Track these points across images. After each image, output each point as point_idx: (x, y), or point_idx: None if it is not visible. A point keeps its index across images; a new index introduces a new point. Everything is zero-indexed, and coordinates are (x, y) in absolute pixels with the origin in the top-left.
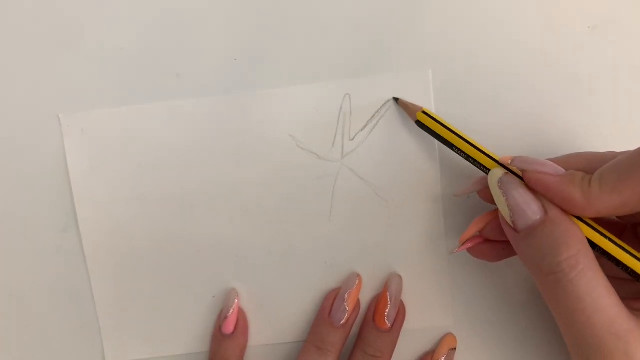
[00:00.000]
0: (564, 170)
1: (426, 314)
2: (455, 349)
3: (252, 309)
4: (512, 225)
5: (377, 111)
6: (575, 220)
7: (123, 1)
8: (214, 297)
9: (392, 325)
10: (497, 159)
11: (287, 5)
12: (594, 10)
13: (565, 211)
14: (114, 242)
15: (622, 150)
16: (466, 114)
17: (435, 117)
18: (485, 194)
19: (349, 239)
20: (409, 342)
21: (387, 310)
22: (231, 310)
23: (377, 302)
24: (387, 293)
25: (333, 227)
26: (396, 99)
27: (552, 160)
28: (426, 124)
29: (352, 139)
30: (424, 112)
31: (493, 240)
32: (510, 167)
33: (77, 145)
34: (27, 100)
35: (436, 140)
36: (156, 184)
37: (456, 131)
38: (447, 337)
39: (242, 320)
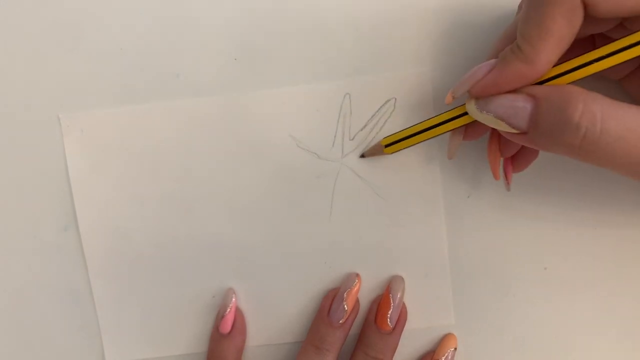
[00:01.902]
0: (494, 59)
1: (426, 314)
2: (455, 348)
3: (251, 308)
4: (517, 132)
5: (377, 111)
6: (559, 80)
7: (123, 1)
8: (213, 297)
9: (394, 327)
10: (453, 113)
11: (287, 5)
12: None
13: (529, 87)
14: (114, 242)
15: None
16: None
17: (396, 138)
18: (470, 134)
19: (349, 239)
20: (409, 342)
21: (389, 312)
22: (228, 310)
23: (379, 303)
24: (390, 294)
25: (333, 227)
26: (362, 155)
27: (489, 55)
28: (397, 148)
29: (352, 139)
30: (386, 145)
31: (513, 155)
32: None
33: (77, 145)
34: (27, 100)
35: (437, 140)
36: (156, 184)
37: (416, 130)
38: (448, 337)
39: (239, 320)
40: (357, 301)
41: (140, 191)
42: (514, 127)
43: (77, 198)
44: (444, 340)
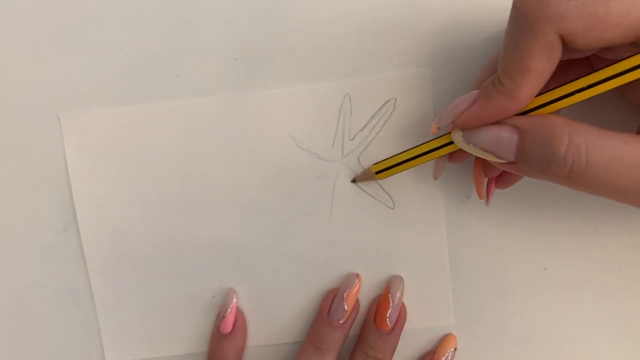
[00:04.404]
0: (476, 91)
1: (426, 314)
2: (455, 349)
3: (251, 309)
4: (506, 161)
5: (377, 111)
6: (541, 110)
7: (123, 1)
8: (213, 297)
9: (393, 327)
10: (442, 141)
11: (287, 5)
12: None
13: (513, 117)
14: (114, 242)
15: None
16: None
17: (386, 165)
18: (455, 158)
19: (349, 239)
20: (409, 342)
21: (388, 312)
22: (229, 310)
23: (379, 303)
24: (389, 294)
25: (333, 227)
26: (354, 180)
27: (472, 88)
28: (387, 174)
29: (352, 139)
30: (376, 172)
31: (498, 176)
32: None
33: (77, 145)
34: (27, 100)
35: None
36: (156, 184)
37: (405, 158)
38: (448, 337)
39: (240, 320)
40: (357, 301)
41: (140, 191)
42: (501, 158)
43: (77, 198)
44: (444, 340)
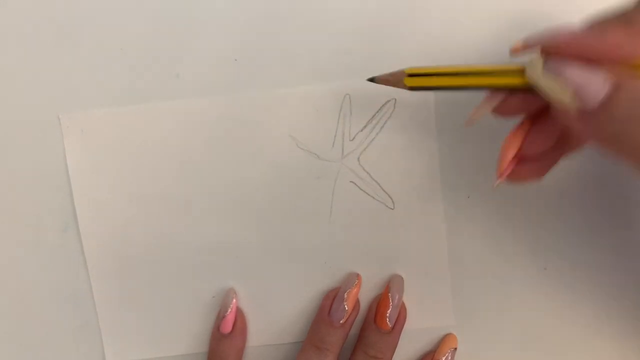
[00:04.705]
0: (585, 27)
1: (427, 314)
2: (456, 349)
3: (251, 309)
4: (580, 108)
5: (377, 111)
6: None
7: (123, 1)
8: (213, 297)
9: (393, 326)
10: (504, 67)
11: (287, 5)
12: (594, 10)
13: (614, 68)
14: (114, 242)
15: None
16: (466, 114)
17: (423, 71)
18: (505, 108)
19: (349, 239)
20: (409, 342)
21: (388, 311)
22: (229, 310)
23: (379, 302)
24: (389, 294)
25: (333, 227)
26: (372, 79)
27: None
28: (420, 83)
29: (352, 139)
30: (410, 74)
31: (530, 156)
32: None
33: (77, 145)
34: (27, 100)
35: (437, 140)
36: (156, 184)
37: (450, 71)
38: (448, 337)
39: (240, 320)
40: (358, 301)
41: (140, 191)
42: (581, 101)
43: (77, 198)
44: (444, 340)
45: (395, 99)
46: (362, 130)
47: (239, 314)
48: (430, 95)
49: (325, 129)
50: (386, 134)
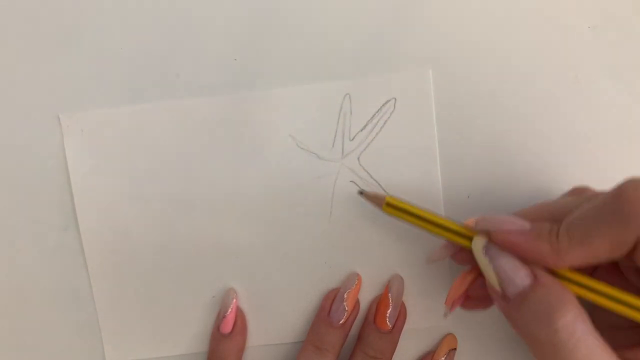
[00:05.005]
0: (529, 225)
1: (426, 314)
2: (455, 349)
3: (251, 309)
4: (502, 293)
5: (377, 111)
6: (564, 282)
7: (123, 1)
8: (213, 297)
9: (393, 327)
10: (461, 229)
11: (287, 5)
12: (594, 10)
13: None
14: (114, 241)
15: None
16: (466, 114)
17: (399, 205)
18: (459, 257)
19: (349, 239)
20: (409, 342)
21: (388, 311)
22: (229, 310)
23: (378, 303)
24: (389, 294)
25: (333, 227)
26: (361, 192)
27: (515, 213)
28: (394, 214)
29: (352, 139)
30: (388, 204)
31: (476, 296)
32: (475, 230)
33: (77, 145)
34: (27, 100)
35: (437, 140)
36: (156, 184)
37: (421, 215)
38: (448, 337)
39: (240, 320)
40: (358, 301)
41: (140, 191)
42: (502, 289)
43: (77, 198)
44: (444, 340)
45: (395, 99)
46: (362, 130)
47: (239, 314)
48: (430, 95)
49: (325, 129)
50: (386, 134)
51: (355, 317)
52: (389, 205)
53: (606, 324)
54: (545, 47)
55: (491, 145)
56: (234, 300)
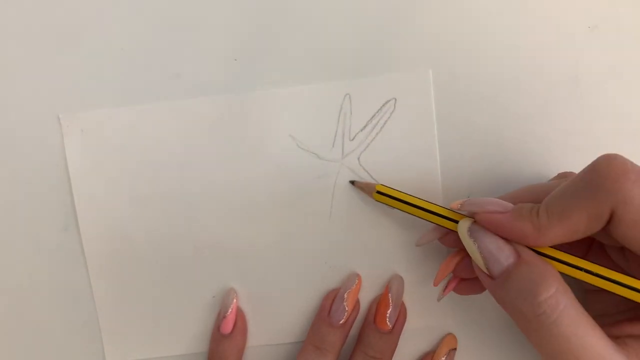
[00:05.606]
0: (512, 206)
1: (426, 314)
2: (455, 349)
3: (251, 309)
4: (487, 272)
5: (377, 111)
6: (548, 260)
7: (123, 1)
8: (213, 297)
9: (393, 327)
10: (448, 213)
11: (287, 5)
12: (594, 10)
13: (518, 244)
14: (114, 241)
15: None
16: (466, 114)
17: (389, 193)
18: (446, 240)
19: (349, 239)
20: (409, 342)
21: (388, 312)
22: (229, 310)
23: (378, 303)
24: (389, 294)
25: (333, 227)
26: (352, 182)
27: (501, 197)
28: (384, 201)
29: (352, 139)
30: (379, 191)
31: (467, 278)
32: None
33: (77, 145)
34: (27, 100)
35: (437, 140)
36: (156, 184)
37: (410, 201)
38: (448, 337)
39: (240, 320)
40: (358, 301)
41: (140, 191)
42: (488, 268)
43: (77, 198)
44: (444, 340)
45: (395, 99)
46: (362, 130)
47: (239, 314)
48: (430, 95)
49: (325, 129)
50: (386, 134)
51: (356, 317)
52: (379, 193)
53: (593, 313)
54: (545, 47)
55: (491, 145)
56: (234, 300)
